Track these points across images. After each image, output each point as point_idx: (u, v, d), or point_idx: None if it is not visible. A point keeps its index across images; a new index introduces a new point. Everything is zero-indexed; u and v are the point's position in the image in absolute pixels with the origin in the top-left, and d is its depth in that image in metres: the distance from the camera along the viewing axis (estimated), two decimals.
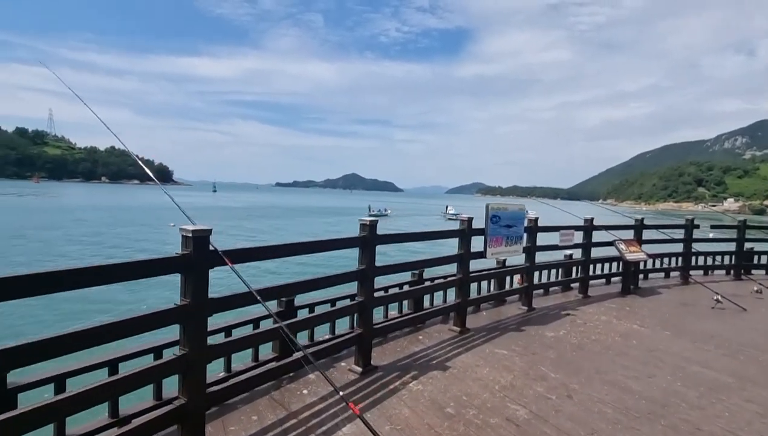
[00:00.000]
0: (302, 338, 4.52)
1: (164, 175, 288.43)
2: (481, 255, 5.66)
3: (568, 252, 7.64)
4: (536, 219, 6.51)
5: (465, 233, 5.36)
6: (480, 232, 5.59)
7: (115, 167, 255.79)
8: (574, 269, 8.07)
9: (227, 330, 3.82)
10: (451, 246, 5.63)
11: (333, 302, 4.89)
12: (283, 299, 4.20)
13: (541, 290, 7.70)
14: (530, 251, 6.49)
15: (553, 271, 7.96)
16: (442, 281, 5.76)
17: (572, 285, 8.11)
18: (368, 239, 4.21)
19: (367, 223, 4.21)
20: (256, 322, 4.11)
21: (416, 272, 5.70)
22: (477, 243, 5.50)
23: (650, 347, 5.23)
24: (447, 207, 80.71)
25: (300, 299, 4.59)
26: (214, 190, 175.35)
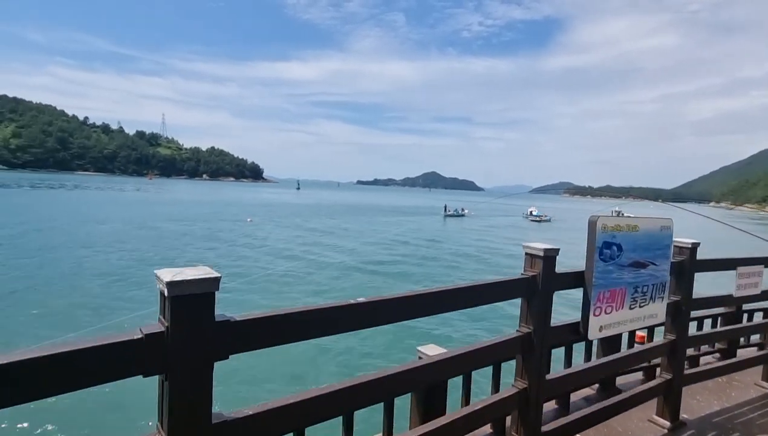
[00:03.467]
0: None
1: (256, 173, 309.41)
2: None
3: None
4: (694, 246, 3.33)
5: None
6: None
7: (215, 166, 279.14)
8: None
9: None
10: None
11: None
12: None
13: None
14: (678, 309, 3.33)
15: None
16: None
17: None
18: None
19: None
20: None
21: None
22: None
23: None
24: (530, 208, 74.55)
25: None
26: (298, 188, 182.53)
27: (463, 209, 69.52)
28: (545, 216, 66.72)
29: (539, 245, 2.39)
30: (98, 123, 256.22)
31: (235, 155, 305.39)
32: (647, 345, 3.51)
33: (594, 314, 2.65)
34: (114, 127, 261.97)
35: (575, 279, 2.64)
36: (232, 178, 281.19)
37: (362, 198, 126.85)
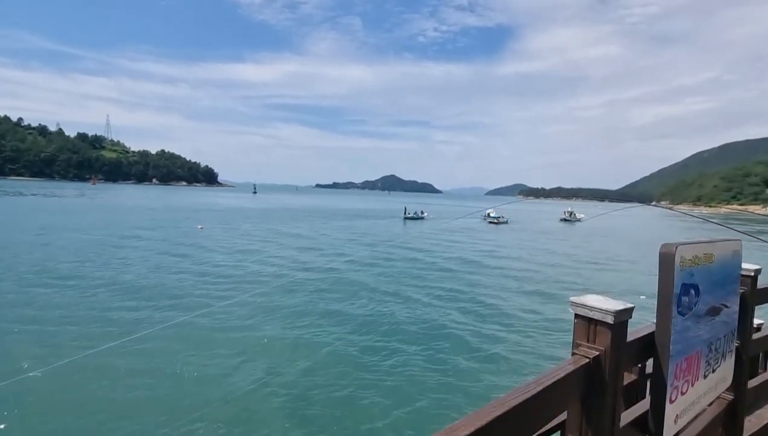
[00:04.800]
0: None
1: (210, 177, 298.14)
2: None
3: None
4: (756, 273, 2.46)
5: None
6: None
7: (165, 169, 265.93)
8: None
9: None
10: None
11: None
12: None
13: None
14: (739, 359, 2.44)
15: None
16: None
17: None
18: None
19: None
20: None
21: None
22: None
23: None
24: (488, 211, 75.60)
25: None
26: (255, 192, 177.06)
27: (422, 212, 69.47)
28: (503, 218, 67.69)
29: (605, 304, 1.46)
30: (34, 124, 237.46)
31: (188, 159, 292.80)
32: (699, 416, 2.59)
33: (670, 401, 1.68)
34: (53, 129, 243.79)
35: (645, 348, 1.66)
36: (184, 183, 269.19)
37: (321, 202, 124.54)
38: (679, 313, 1.65)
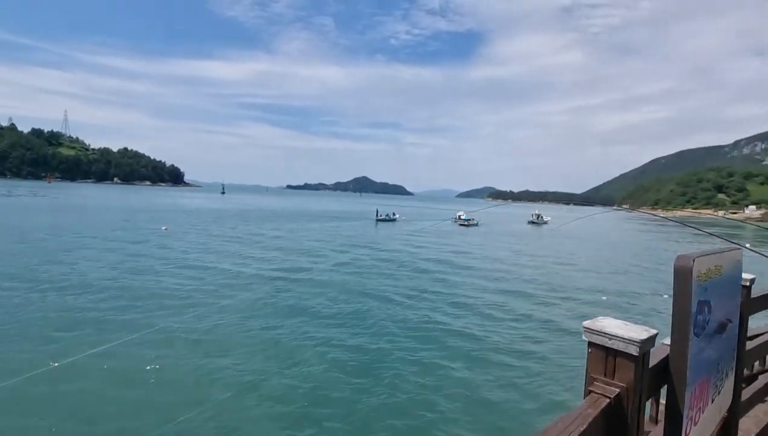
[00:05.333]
0: None
1: (176, 177, 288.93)
2: None
3: None
4: (751, 283, 2.33)
5: None
6: None
7: (128, 168, 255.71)
8: None
9: None
10: None
11: None
12: None
13: None
14: (735, 374, 2.30)
15: None
16: None
17: None
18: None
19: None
20: None
21: None
22: None
23: None
24: (459, 213, 76.55)
25: None
26: (223, 192, 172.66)
27: (394, 214, 69.53)
28: (473, 220, 68.61)
29: (628, 331, 1.24)
30: None
31: (152, 158, 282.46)
32: None
33: (686, 434, 1.47)
34: (4, 124, 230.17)
35: (658, 376, 1.44)
36: (148, 182, 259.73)
37: (292, 203, 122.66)
38: (695, 334, 1.45)
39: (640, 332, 1.24)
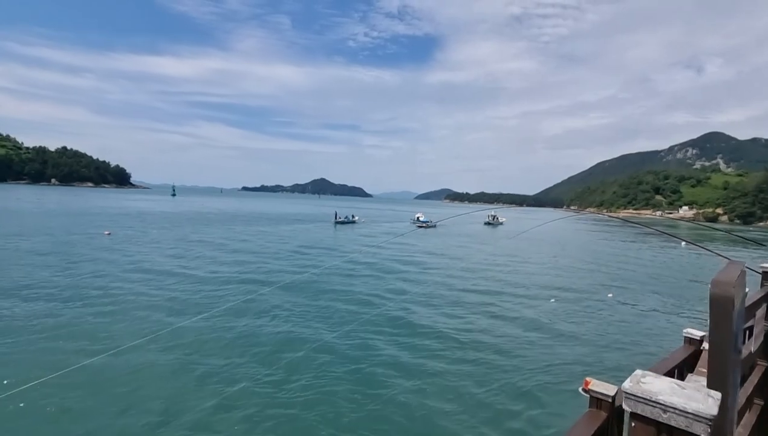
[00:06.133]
0: None
1: (121, 178, 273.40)
2: None
3: None
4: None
5: None
6: None
7: (67, 169, 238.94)
8: None
9: None
10: None
11: None
12: None
13: None
14: None
15: None
16: None
17: None
18: None
19: None
20: None
21: None
22: None
23: None
24: (417, 214, 77.25)
25: None
26: (173, 195, 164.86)
27: (353, 216, 69.08)
28: (431, 222, 69.49)
29: (690, 402, 0.93)
30: None
31: (95, 157, 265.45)
32: None
33: None
34: None
35: None
36: (90, 184, 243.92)
37: (247, 205, 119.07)
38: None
39: (708, 404, 0.89)
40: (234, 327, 12.84)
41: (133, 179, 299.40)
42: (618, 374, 10.74)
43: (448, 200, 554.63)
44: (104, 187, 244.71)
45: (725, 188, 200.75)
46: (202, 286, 18.12)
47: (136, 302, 15.10)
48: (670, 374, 3.56)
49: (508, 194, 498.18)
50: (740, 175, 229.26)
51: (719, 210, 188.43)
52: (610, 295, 20.08)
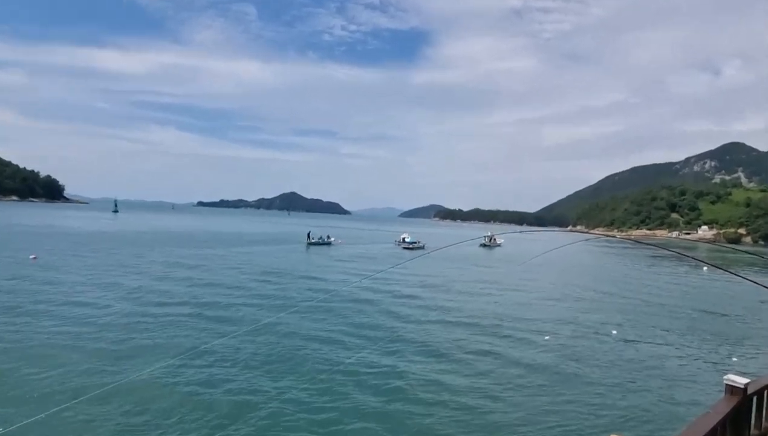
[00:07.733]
0: None
1: (53, 191, 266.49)
2: None
3: None
4: None
5: None
6: None
7: None
8: None
9: None
10: None
11: None
12: None
13: None
14: None
15: None
16: None
17: None
18: None
19: None
20: None
21: None
22: None
23: None
24: (403, 235, 77.07)
25: None
26: (116, 211, 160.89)
27: (329, 237, 68.37)
28: (419, 242, 69.23)
29: None
30: None
31: (22, 167, 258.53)
32: None
33: None
34: None
35: None
36: (15, 197, 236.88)
37: (203, 224, 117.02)
38: None
39: None
40: (167, 395, 12.11)
41: (67, 192, 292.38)
42: (647, 427, 10.45)
43: (438, 218, 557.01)
44: (32, 200, 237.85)
45: (748, 205, 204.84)
46: (130, 333, 17.31)
47: (53, 354, 14.21)
48: (713, 432, 3.14)
49: (505, 211, 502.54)
50: (763, 190, 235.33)
51: (742, 230, 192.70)
52: (614, 332, 19.80)
